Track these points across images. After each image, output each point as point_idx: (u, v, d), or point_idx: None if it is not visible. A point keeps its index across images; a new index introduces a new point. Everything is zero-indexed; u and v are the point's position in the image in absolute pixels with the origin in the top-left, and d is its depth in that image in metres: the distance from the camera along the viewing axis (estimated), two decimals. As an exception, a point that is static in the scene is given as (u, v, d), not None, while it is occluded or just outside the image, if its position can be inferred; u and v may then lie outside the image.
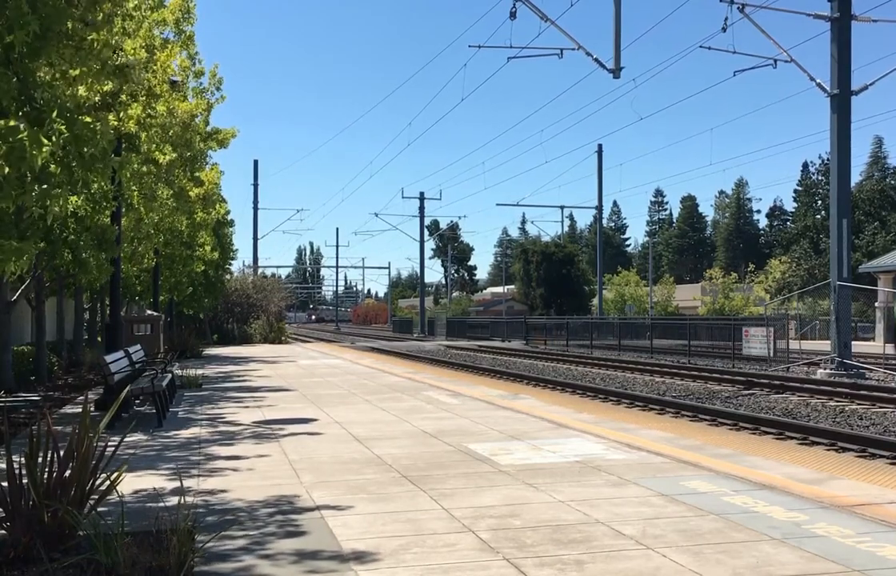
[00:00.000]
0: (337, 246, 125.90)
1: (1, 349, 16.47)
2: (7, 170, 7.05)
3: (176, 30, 16.22)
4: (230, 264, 45.82)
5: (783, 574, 4.63)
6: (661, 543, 5.23)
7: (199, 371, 18.95)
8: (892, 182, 74.51)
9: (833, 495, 6.49)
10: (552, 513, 6.02)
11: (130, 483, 6.92)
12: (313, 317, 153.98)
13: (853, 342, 23.98)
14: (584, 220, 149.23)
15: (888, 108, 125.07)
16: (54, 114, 7.57)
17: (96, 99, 9.80)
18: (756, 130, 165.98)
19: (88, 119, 8.25)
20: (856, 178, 78.86)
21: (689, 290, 79.68)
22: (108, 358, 12.08)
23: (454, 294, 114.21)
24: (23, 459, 5.10)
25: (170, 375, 13.66)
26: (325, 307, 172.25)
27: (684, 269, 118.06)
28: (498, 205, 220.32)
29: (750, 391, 19.75)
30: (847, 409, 16.25)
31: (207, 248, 30.32)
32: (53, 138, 7.51)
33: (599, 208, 60.67)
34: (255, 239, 64.67)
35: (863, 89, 23.82)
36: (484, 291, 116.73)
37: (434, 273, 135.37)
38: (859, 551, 5.00)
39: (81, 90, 9.11)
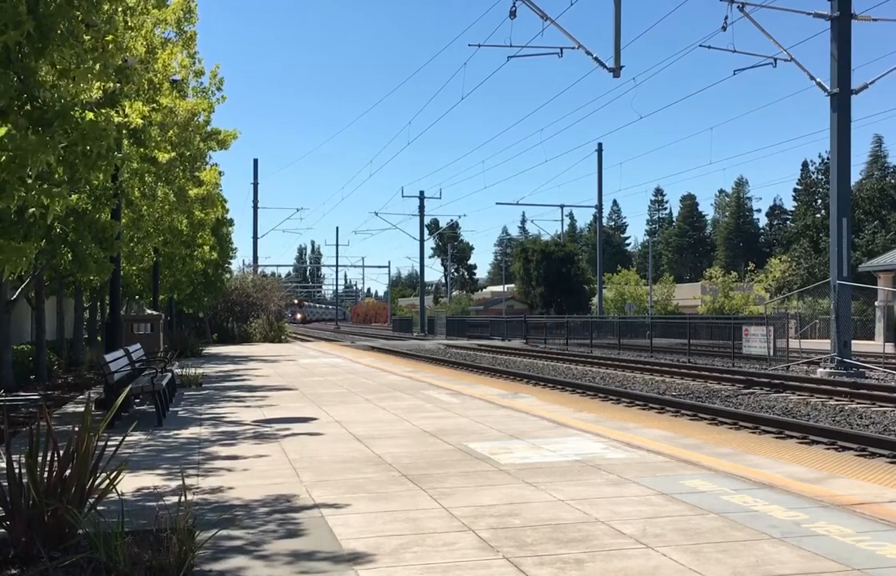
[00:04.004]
0: (337, 245, 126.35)
1: (1, 348, 16.48)
2: (6, 174, 7.06)
3: (177, 29, 16.21)
4: (230, 263, 45.83)
5: (783, 573, 4.63)
6: (661, 542, 5.23)
7: (199, 370, 18.95)
8: (892, 181, 74.38)
9: (833, 493, 6.49)
10: (552, 512, 6.02)
11: (130, 482, 6.92)
12: (298, 316, 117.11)
13: (853, 341, 23.98)
14: (583, 219, 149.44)
15: (888, 106, 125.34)
16: (56, 108, 7.57)
17: (98, 95, 9.79)
18: (756, 130, 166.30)
19: (92, 115, 8.26)
20: (856, 176, 78.92)
21: (688, 289, 79.66)
22: (108, 357, 12.07)
23: (454, 293, 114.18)
24: (23, 458, 5.10)
25: (170, 374, 13.66)
26: (313, 305, 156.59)
27: (684, 268, 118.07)
28: (498, 204, 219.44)
29: (750, 390, 19.76)
30: (847, 408, 16.26)
31: (206, 248, 30.30)
32: (57, 136, 7.51)
33: (599, 207, 60.67)
34: (255, 238, 64.76)
35: (863, 88, 23.84)
36: (484, 290, 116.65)
37: (434, 272, 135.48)
38: (859, 550, 5.00)
39: (83, 87, 9.11)
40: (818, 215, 78.64)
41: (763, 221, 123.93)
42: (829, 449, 11.68)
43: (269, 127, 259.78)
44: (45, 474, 5.06)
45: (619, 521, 5.73)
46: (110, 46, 8.41)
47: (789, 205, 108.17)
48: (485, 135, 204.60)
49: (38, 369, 19.13)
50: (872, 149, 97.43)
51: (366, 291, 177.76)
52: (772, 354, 27.91)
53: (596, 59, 24.49)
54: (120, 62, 9.53)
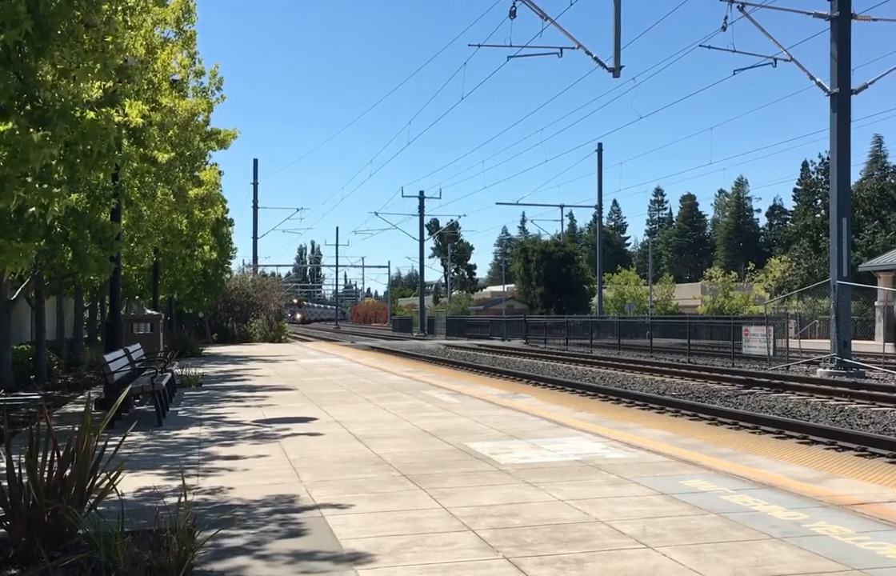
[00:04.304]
0: (337, 245, 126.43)
1: (1, 348, 16.48)
2: (8, 170, 7.06)
3: (176, 29, 16.21)
4: (230, 263, 45.84)
5: (783, 573, 4.63)
6: (661, 541, 5.23)
7: (199, 370, 18.96)
8: (892, 181, 74.37)
9: (833, 493, 6.49)
10: (552, 512, 6.02)
11: (130, 482, 6.92)
12: (298, 316, 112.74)
13: (853, 341, 23.98)
14: (583, 219, 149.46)
15: (888, 106, 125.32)
16: (57, 107, 7.57)
17: (99, 95, 9.81)
18: (756, 130, 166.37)
19: (93, 114, 8.26)
20: (855, 176, 78.94)
21: (688, 289, 79.65)
22: (108, 357, 12.07)
23: (454, 293, 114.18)
24: (23, 458, 5.10)
25: (169, 374, 13.66)
26: (313, 305, 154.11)
27: (684, 268, 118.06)
28: (498, 204, 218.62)
29: (749, 390, 19.76)
30: (847, 408, 16.25)
31: (206, 248, 30.31)
32: (58, 130, 7.51)
33: (599, 207, 60.67)
34: (255, 238, 64.77)
35: (863, 88, 23.84)
36: (484, 290, 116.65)
37: (434, 272, 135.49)
38: (859, 550, 5.00)
39: (84, 87, 9.11)
40: (818, 215, 78.64)
41: (763, 221, 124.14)
42: (829, 449, 11.68)
43: (269, 127, 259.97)
44: (45, 474, 5.06)
45: (619, 521, 5.73)
46: (110, 47, 8.41)
47: (789, 205, 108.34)
48: (485, 135, 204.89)
49: (38, 369, 19.13)
50: (872, 149, 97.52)
51: (366, 291, 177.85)
52: (772, 354, 27.90)
53: (596, 59, 24.49)
54: (120, 62, 9.53)
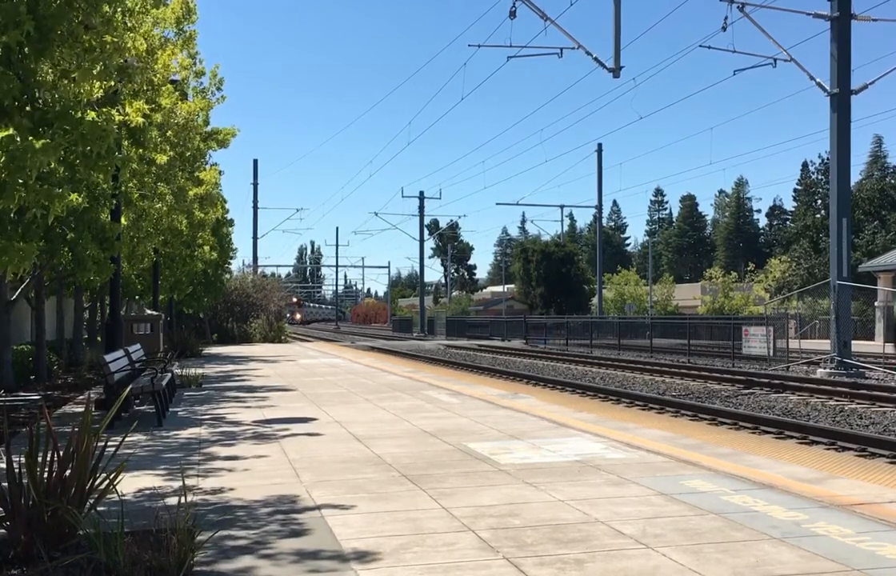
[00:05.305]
0: (337, 245, 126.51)
1: (1, 348, 16.48)
2: (5, 175, 7.07)
3: (176, 29, 16.20)
4: (230, 263, 45.84)
5: (783, 573, 4.63)
6: (661, 542, 5.23)
7: (199, 370, 18.96)
8: (892, 181, 74.38)
9: (833, 494, 6.49)
10: (552, 512, 6.02)
11: (130, 483, 6.92)
12: (297, 316, 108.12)
13: (853, 341, 23.97)
14: (583, 219, 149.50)
15: (888, 107, 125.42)
16: (57, 108, 7.57)
17: (99, 95, 9.80)
18: (756, 130, 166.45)
19: (93, 114, 8.26)
20: (855, 177, 78.91)
21: (688, 289, 79.67)
22: (108, 357, 12.07)
23: (454, 293, 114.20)
24: (23, 458, 5.10)
25: (169, 375, 13.66)
26: (312, 305, 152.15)
27: (684, 268, 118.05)
28: (498, 204, 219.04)
29: (750, 390, 19.76)
30: (847, 408, 16.25)
31: (207, 248, 30.29)
32: (58, 137, 7.51)
33: (599, 208, 60.69)
34: (255, 238, 64.77)
35: (863, 88, 23.84)
36: (484, 291, 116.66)
37: (434, 272, 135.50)
38: (859, 551, 5.00)
39: (85, 87, 9.11)
40: (818, 215, 78.68)
41: (763, 221, 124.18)
42: (828, 449, 11.68)
43: (269, 127, 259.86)
44: (45, 474, 5.06)
45: (619, 521, 5.73)
46: (108, 47, 8.42)
47: (789, 205, 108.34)
48: (485, 135, 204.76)
49: (38, 369, 19.13)
50: (872, 149, 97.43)
51: (366, 291, 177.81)
52: (772, 354, 27.90)
53: (596, 59, 24.50)
54: (120, 62, 9.54)
